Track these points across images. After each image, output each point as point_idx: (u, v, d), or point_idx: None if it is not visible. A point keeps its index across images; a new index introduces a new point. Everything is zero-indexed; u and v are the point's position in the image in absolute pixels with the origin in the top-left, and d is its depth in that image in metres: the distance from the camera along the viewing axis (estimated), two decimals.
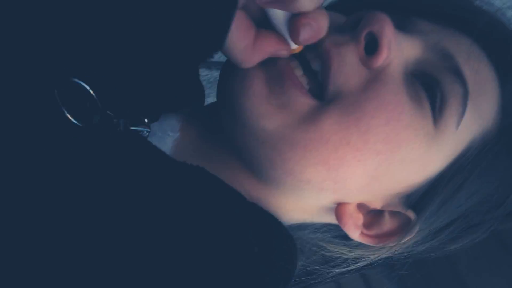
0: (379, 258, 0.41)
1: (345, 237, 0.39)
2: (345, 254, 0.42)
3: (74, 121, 0.30)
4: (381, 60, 0.32)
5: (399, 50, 0.33)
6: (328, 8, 0.40)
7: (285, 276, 0.35)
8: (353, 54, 0.32)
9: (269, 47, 0.29)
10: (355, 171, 0.32)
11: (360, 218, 0.36)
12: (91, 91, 0.30)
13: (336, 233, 0.41)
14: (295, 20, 0.27)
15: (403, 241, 0.37)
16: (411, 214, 0.36)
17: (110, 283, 0.26)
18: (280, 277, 0.35)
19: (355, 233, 0.37)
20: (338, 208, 0.36)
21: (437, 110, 0.33)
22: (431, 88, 0.33)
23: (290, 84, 0.31)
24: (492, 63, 0.36)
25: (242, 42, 0.28)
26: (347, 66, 0.31)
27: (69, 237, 0.26)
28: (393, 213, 0.37)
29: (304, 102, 0.31)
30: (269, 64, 0.31)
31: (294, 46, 0.30)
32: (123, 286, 0.26)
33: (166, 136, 0.36)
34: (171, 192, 0.30)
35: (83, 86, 0.30)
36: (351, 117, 0.31)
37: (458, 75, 0.33)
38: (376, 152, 0.31)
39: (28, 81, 0.28)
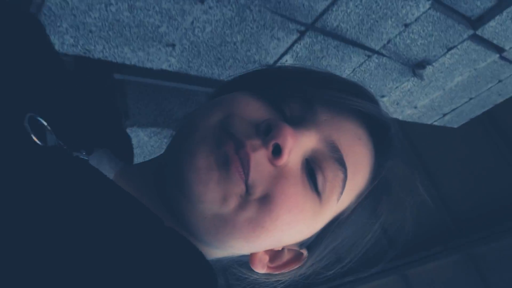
0: (281, 282, 0.52)
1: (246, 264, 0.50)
2: (251, 276, 0.52)
3: (37, 141, 0.37)
4: (282, 162, 0.40)
5: (299, 146, 0.41)
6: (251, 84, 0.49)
7: None
8: (264, 155, 0.40)
9: None
10: (265, 241, 0.42)
11: (266, 258, 0.47)
12: (48, 127, 0.39)
13: (245, 259, 0.50)
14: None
15: (297, 268, 0.48)
16: (304, 251, 0.48)
17: None
18: None
19: (262, 270, 0.47)
20: (251, 256, 0.46)
21: (321, 191, 0.42)
22: (315, 174, 0.42)
23: (235, 172, 0.39)
24: (372, 138, 0.47)
25: None
26: (260, 166, 0.40)
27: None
28: (290, 250, 0.48)
29: (240, 189, 0.39)
30: (218, 149, 0.39)
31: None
32: None
33: (107, 167, 0.45)
34: (106, 209, 0.35)
35: (41, 122, 0.38)
36: (265, 208, 0.39)
37: (341, 164, 0.43)
38: (281, 230, 0.41)
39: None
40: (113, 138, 0.50)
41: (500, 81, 1.78)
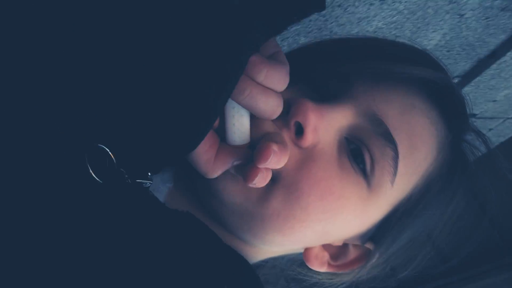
0: (344, 282, 0.47)
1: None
2: (312, 278, 0.48)
3: (97, 179, 0.34)
4: (307, 143, 0.36)
5: (329, 124, 0.36)
6: None
7: None
8: (287, 137, 0.36)
9: (228, 160, 0.33)
10: (305, 234, 0.38)
11: (325, 256, 0.42)
12: (111, 154, 0.35)
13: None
14: (263, 147, 0.31)
15: (366, 266, 0.43)
16: (370, 246, 0.42)
17: None
18: None
19: (321, 269, 0.42)
20: (305, 252, 0.42)
21: (368, 174, 0.37)
22: (361, 154, 0.37)
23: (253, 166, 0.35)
24: (436, 107, 0.40)
25: (205, 156, 0.32)
26: (286, 148, 0.34)
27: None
28: (355, 245, 0.43)
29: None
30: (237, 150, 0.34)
31: (236, 143, 0.34)
32: None
33: (163, 186, 0.42)
34: (163, 234, 0.34)
35: (105, 150, 0.34)
36: (292, 196, 0.35)
37: (388, 139, 0.36)
38: (318, 220, 0.37)
39: (59, 144, 0.33)
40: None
41: None
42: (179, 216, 0.36)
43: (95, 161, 0.34)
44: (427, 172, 0.40)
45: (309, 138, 0.35)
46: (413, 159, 0.38)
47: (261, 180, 0.32)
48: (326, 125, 0.36)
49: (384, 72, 0.38)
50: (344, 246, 0.43)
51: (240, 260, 0.38)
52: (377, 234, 0.42)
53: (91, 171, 0.34)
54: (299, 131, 0.36)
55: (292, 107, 0.35)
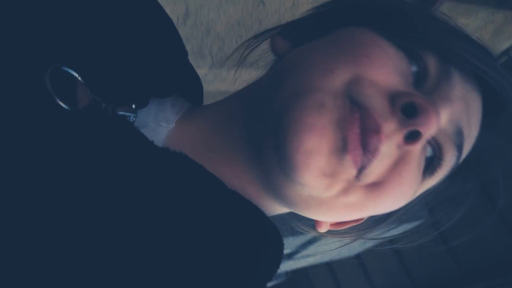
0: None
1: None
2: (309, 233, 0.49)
3: (63, 105, 0.30)
4: (416, 149, 0.34)
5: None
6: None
7: (272, 264, 0.38)
8: (395, 139, 0.32)
9: None
10: (350, 224, 0.42)
11: (329, 224, 0.43)
12: (79, 78, 0.31)
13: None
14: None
15: (358, 227, 0.44)
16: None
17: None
18: (266, 267, 0.37)
19: (323, 230, 0.43)
20: (318, 222, 0.43)
21: (429, 172, 0.37)
22: (434, 165, 0.37)
23: (351, 158, 0.31)
24: (485, 115, 0.39)
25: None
26: (386, 158, 0.33)
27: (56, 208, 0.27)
28: None
29: (350, 174, 0.32)
30: (338, 131, 0.31)
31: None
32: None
33: (159, 127, 0.38)
34: (152, 178, 0.32)
35: (71, 73, 0.31)
36: (372, 195, 0.34)
37: (459, 151, 0.37)
38: (372, 212, 0.37)
39: (18, 68, 0.29)
40: (177, 79, 0.41)
41: None
42: (171, 157, 0.34)
43: (61, 87, 0.30)
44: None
45: (419, 147, 0.34)
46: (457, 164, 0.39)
47: None
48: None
49: (478, 73, 0.37)
50: None
51: (249, 206, 0.36)
52: None
53: (55, 96, 0.30)
54: (411, 136, 0.32)
55: (419, 115, 0.31)
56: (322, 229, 0.43)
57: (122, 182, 0.30)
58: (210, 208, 0.33)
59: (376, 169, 0.33)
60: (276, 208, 0.40)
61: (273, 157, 0.33)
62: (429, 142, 0.36)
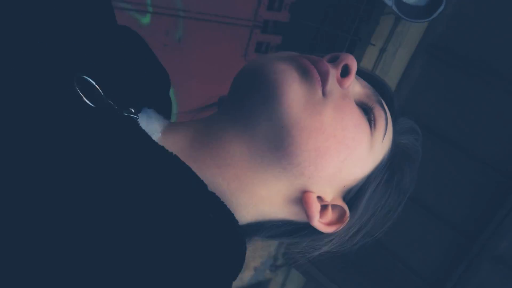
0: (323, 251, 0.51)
1: (294, 232, 0.50)
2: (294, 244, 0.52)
3: (89, 103, 0.38)
4: (349, 82, 0.45)
5: (353, 85, 0.46)
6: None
7: (234, 264, 0.41)
8: (334, 75, 0.44)
9: None
10: (332, 160, 0.42)
11: (318, 207, 0.45)
12: (96, 85, 0.39)
13: (288, 227, 0.49)
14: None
15: (339, 229, 0.48)
16: (346, 209, 0.47)
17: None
18: (228, 269, 0.40)
19: (315, 217, 0.45)
20: (305, 195, 0.44)
21: (372, 126, 0.46)
22: (367, 112, 0.46)
23: (316, 79, 0.42)
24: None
25: None
26: (334, 80, 0.44)
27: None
28: (333, 207, 0.48)
29: (319, 93, 0.42)
30: (298, 65, 0.42)
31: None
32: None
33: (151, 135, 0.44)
34: (148, 171, 0.37)
35: (90, 81, 0.39)
36: (338, 116, 0.42)
37: (381, 106, 0.47)
38: (347, 146, 0.43)
39: (48, 75, 0.37)
40: (158, 99, 0.50)
41: None
42: (166, 156, 0.39)
43: (83, 91, 0.38)
44: (388, 150, 0.50)
45: (351, 79, 0.44)
46: (388, 131, 0.49)
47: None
48: (352, 86, 0.46)
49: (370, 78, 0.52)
50: (325, 208, 0.47)
51: (224, 210, 0.40)
52: (353, 198, 0.48)
53: (82, 95, 0.38)
54: (344, 73, 0.45)
55: (340, 56, 0.45)
56: (313, 210, 0.44)
57: (125, 169, 0.35)
58: (190, 205, 0.38)
59: (333, 92, 0.43)
60: (259, 193, 0.44)
61: (260, 106, 0.41)
62: (358, 105, 0.46)
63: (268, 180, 0.43)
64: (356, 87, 0.47)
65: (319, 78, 0.41)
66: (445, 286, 1.45)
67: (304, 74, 0.41)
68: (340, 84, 0.44)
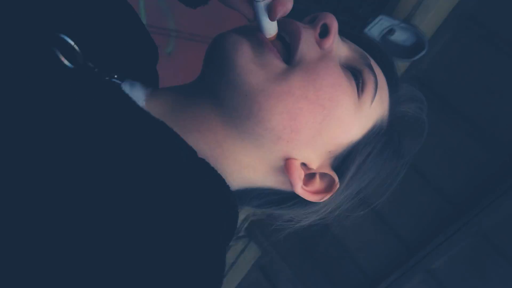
0: (311, 220, 0.51)
1: (281, 201, 0.49)
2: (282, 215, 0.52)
3: (67, 63, 0.37)
4: (330, 42, 0.43)
5: (337, 47, 0.45)
6: None
7: (227, 229, 0.41)
8: (312, 36, 0.43)
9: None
10: (307, 121, 0.41)
11: (302, 174, 0.44)
12: (75, 45, 0.38)
13: (275, 197, 0.49)
14: (272, 4, 0.38)
15: (328, 197, 0.46)
16: (335, 177, 0.46)
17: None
18: (222, 229, 0.39)
19: (298, 184, 0.44)
20: (287, 162, 0.43)
21: (360, 89, 0.44)
22: (356, 75, 0.44)
23: (269, 51, 0.41)
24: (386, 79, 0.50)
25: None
26: (309, 42, 0.42)
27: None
28: (322, 175, 0.47)
29: (278, 64, 0.41)
30: (252, 37, 0.41)
31: (270, 35, 0.41)
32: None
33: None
34: (133, 134, 0.36)
35: (68, 41, 0.37)
36: (310, 78, 0.40)
37: (371, 69, 0.45)
38: (323, 107, 0.41)
39: (26, 35, 0.35)
40: (144, 71, 0.49)
41: None
42: (152, 122, 0.38)
43: (63, 52, 0.36)
44: (383, 118, 0.48)
45: (331, 39, 0.43)
46: (381, 95, 0.47)
47: (283, 10, 0.37)
48: (337, 48, 0.44)
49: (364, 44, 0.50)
50: (312, 176, 0.46)
51: (215, 176, 0.40)
52: (341, 166, 0.46)
53: (60, 55, 0.36)
54: (323, 33, 0.43)
55: (319, 15, 0.43)
56: (295, 177, 0.43)
57: (109, 134, 0.34)
58: (180, 172, 0.37)
59: (305, 55, 0.41)
60: (241, 161, 0.44)
61: (221, 77, 0.41)
62: (346, 67, 0.44)
63: (248, 148, 0.43)
64: (343, 49, 0.46)
65: (270, 46, 0.41)
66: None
67: (258, 45, 0.41)
68: (320, 45, 0.43)
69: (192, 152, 0.39)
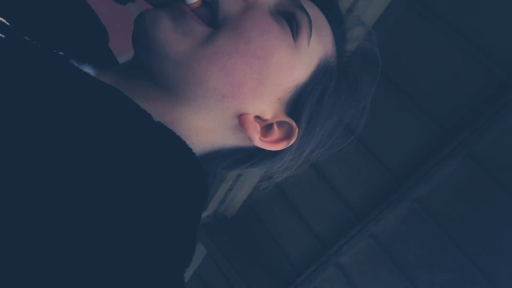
0: (283, 173, 0.53)
1: (249, 158, 0.51)
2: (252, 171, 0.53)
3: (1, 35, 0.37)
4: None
5: None
6: None
7: (197, 192, 0.42)
8: None
9: None
10: (245, 74, 0.41)
11: (257, 127, 0.45)
12: (4, 20, 0.38)
13: (242, 154, 0.50)
14: None
15: (290, 143, 0.47)
16: (292, 122, 0.47)
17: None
18: (191, 197, 0.41)
19: (255, 136, 0.45)
20: (241, 118, 0.44)
21: (294, 31, 0.44)
22: (289, 18, 0.44)
23: (190, 18, 0.41)
24: (325, 17, 0.50)
25: None
26: (234, 4, 0.42)
27: None
28: (280, 124, 0.47)
29: (202, 29, 0.41)
30: (174, 8, 0.41)
31: (192, 2, 0.42)
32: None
33: None
34: (87, 105, 0.36)
35: None
36: (236, 32, 0.41)
37: (303, 10, 0.44)
38: (257, 57, 0.41)
39: None
40: (94, 52, 0.48)
41: None
42: (106, 89, 0.38)
43: None
44: (328, 55, 0.48)
45: None
46: (319, 33, 0.47)
47: None
48: None
49: None
50: (270, 127, 0.47)
51: (175, 138, 0.41)
52: (295, 111, 0.47)
53: None
54: None
55: None
56: (252, 131, 0.44)
57: (58, 102, 0.34)
58: (139, 137, 0.38)
59: (228, 15, 0.41)
60: (195, 126, 0.44)
61: (142, 51, 0.42)
62: (278, 13, 0.44)
63: (198, 112, 0.43)
64: None
65: (190, 14, 0.41)
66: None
67: (179, 15, 0.41)
68: None
69: (147, 115, 0.39)
